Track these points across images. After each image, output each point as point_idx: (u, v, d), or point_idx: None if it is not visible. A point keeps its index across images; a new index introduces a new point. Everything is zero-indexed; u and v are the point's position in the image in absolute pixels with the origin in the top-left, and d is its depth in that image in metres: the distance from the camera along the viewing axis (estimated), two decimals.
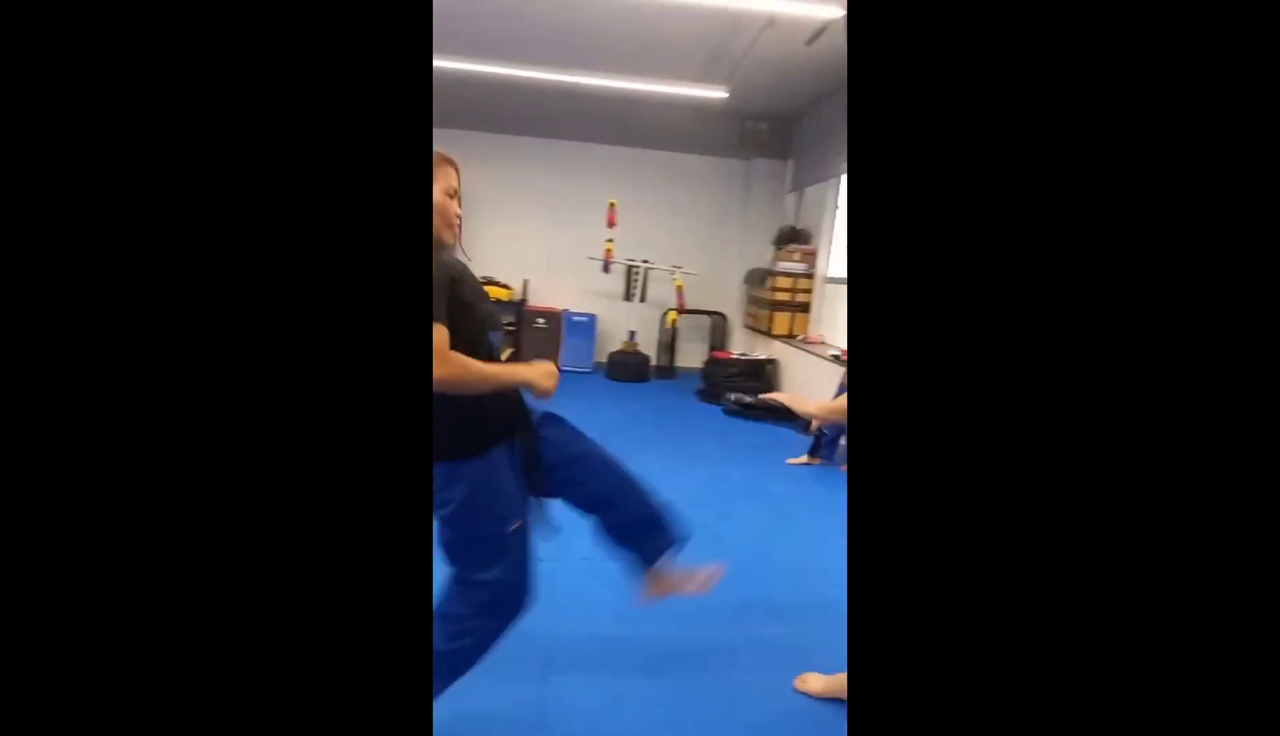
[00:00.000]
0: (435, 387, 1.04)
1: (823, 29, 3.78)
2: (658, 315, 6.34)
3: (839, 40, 3.70)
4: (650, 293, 6.23)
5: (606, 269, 6.03)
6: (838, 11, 3.33)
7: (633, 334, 6.24)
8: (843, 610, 2.08)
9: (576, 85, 5.33)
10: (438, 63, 4.49)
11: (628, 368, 5.97)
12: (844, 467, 3.71)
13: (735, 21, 3.98)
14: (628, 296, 6.20)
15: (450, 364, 1.07)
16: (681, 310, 6.21)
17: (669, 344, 6.33)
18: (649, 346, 6.31)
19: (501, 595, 1.27)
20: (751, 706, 1.62)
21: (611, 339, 6.32)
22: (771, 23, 3.84)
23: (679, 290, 6.12)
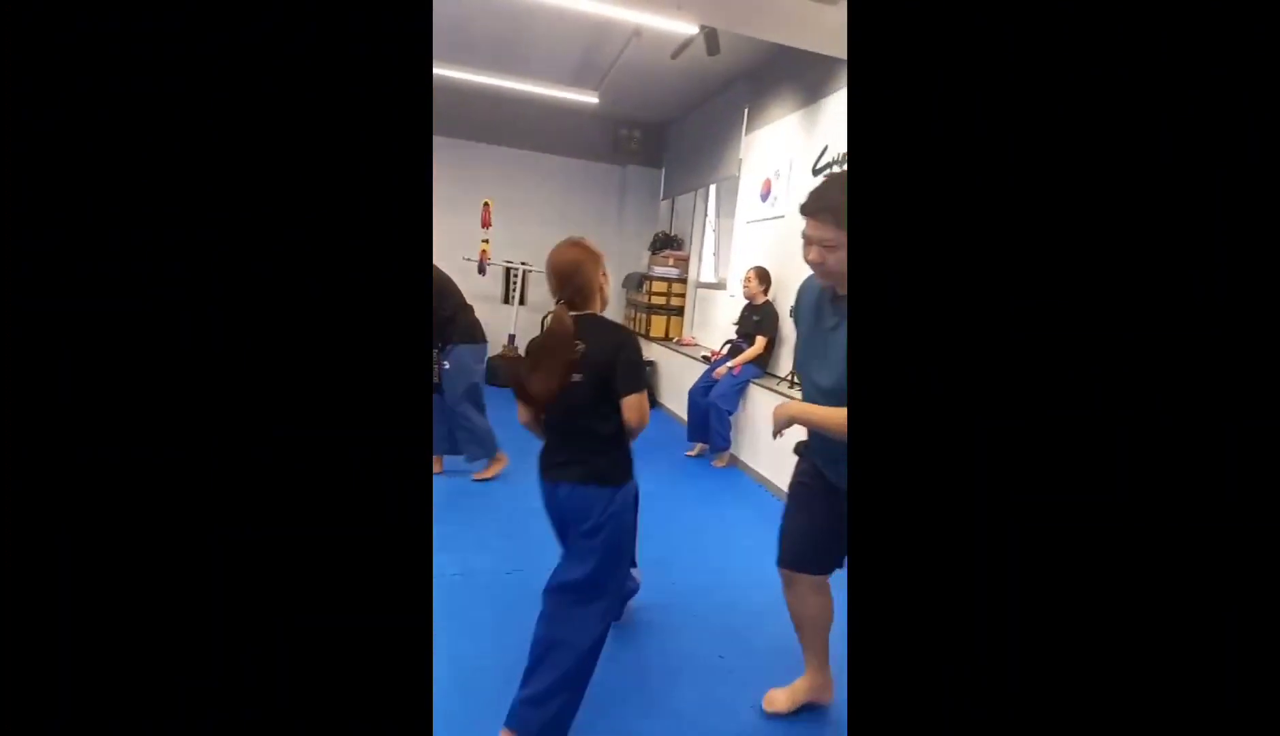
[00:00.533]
0: (634, 432, 1.43)
1: (687, 43, 4.01)
2: (538, 318, 6.28)
3: (701, 56, 3.94)
4: (530, 295, 6.18)
5: (482, 271, 5.90)
6: (694, 29, 3.55)
7: (512, 338, 6.16)
8: (678, 602, 2.18)
9: (449, 79, 5.18)
10: None
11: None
12: (716, 463, 3.90)
13: (605, 29, 4.10)
14: (506, 299, 6.11)
15: (647, 419, 1.43)
16: None
17: None
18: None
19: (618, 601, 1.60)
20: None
21: (489, 343, 6.19)
22: (638, 33, 4.01)
23: None
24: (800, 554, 1.52)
